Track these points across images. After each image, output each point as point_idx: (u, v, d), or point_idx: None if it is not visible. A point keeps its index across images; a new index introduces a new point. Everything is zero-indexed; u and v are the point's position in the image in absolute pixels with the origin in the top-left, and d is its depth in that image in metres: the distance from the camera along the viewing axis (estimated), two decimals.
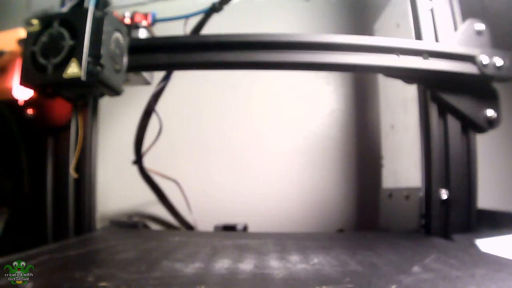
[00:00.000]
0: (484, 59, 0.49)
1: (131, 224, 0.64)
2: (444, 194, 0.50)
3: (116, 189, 0.77)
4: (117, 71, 0.45)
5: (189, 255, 0.36)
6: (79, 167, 0.49)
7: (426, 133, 0.52)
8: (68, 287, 0.25)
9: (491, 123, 0.51)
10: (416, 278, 0.28)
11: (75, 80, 0.41)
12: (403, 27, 0.61)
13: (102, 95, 0.51)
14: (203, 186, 0.78)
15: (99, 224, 0.55)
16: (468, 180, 0.51)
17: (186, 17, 0.61)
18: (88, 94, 0.48)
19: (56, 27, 0.42)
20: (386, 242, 0.46)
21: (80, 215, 0.49)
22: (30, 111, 0.49)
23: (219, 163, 0.80)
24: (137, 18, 0.61)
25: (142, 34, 0.60)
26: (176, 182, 0.71)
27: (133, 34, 0.59)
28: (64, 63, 0.41)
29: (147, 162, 0.68)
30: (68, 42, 0.41)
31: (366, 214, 0.77)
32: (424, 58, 0.49)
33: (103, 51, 0.42)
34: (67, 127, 0.49)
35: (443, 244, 0.44)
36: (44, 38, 0.42)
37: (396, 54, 0.49)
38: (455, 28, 0.53)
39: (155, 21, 0.62)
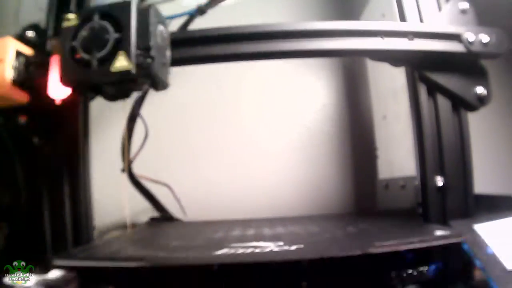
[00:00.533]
0: (470, 36, 0.49)
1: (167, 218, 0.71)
2: (439, 181, 0.50)
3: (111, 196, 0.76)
4: (164, 65, 0.44)
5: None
6: (73, 177, 0.49)
7: (417, 117, 0.52)
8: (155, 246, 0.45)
9: (481, 100, 0.51)
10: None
11: (124, 74, 0.39)
12: (389, 17, 0.61)
13: (143, 91, 0.51)
14: (197, 187, 0.77)
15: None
16: (463, 165, 0.51)
17: (171, 18, 0.61)
18: (133, 90, 0.46)
19: (97, 20, 0.40)
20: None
21: (78, 225, 0.49)
22: (22, 118, 0.49)
23: (212, 163, 0.79)
24: None
25: None
26: (168, 186, 0.70)
27: None
28: (110, 57, 0.39)
29: (137, 166, 0.67)
30: (113, 35, 0.40)
31: (364, 207, 0.77)
32: (409, 39, 0.49)
33: (152, 42, 0.40)
34: (60, 133, 0.49)
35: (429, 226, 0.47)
36: (84, 33, 0.40)
37: (381, 37, 0.49)
38: (439, 9, 0.53)
39: None
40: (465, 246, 0.39)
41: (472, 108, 0.51)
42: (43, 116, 0.49)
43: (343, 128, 0.80)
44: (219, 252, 0.37)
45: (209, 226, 0.60)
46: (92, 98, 0.51)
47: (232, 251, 0.37)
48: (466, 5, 0.53)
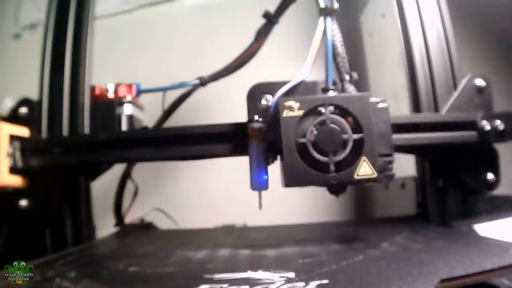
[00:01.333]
0: (486, 124, 0.44)
1: (144, 225, 0.64)
2: (439, 181, 0.50)
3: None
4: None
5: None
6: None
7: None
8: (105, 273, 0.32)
9: (490, 187, 0.47)
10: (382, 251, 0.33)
11: (366, 181, 0.34)
12: (389, 17, 0.61)
13: None
14: (198, 190, 0.77)
15: None
16: None
17: (170, 88, 0.58)
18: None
19: (329, 115, 0.35)
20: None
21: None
22: (23, 202, 0.46)
23: (212, 166, 0.79)
24: (121, 92, 0.58)
25: (128, 110, 0.56)
26: (160, 209, 0.70)
27: (118, 111, 0.55)
28: (349, 161, 0.34)
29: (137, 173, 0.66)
30: (352, 136, 0.34)
31: (364, 206, 0.76)
32: (421, 131, 0.45)
33: (391, 147, 0.36)
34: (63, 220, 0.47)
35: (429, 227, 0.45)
36: (312, 128, 0.35)
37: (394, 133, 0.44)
38: (454, 87, 0.50)
39: (139, 92, 0.59)
40: None
41: (478, 193, 0.48)
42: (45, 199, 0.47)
43: None
44: None
45: (192, 238, 0.50)
46: None
47: None
48: (483, 83, 0.49)
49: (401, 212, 0.59)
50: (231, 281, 0.26)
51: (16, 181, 0.45)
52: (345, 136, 0.34)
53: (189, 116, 0.66)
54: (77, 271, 0.31)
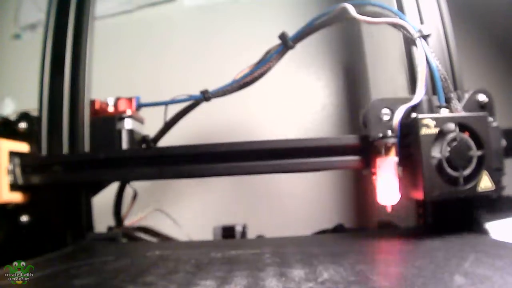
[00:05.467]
0: None
1: (110, 237, 0.51)
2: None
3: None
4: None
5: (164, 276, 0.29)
6: None
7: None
8: None
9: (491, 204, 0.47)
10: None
11: (486, 193, 0.38)
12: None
13: None
14: (200, 189, 0.77)
15: None
16: None
17: (171, 103, 0.56)
18: None
19: (458, 133, 0.38)
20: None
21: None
22: (24, 218, 0.45)
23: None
24: (121, 106, 0.57)
25: (128, 124, 0.56)
26: (160, 210, 0.70)
27: (118, 126, 0.55)
28: (474, 176, 0.38)
29: None
30: (476, 152, 0.38)
31: (365, 209, 0.76)
32: None
33: (502, 162, 0.40)
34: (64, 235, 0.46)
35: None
36: (445, 145, 0.38)
37: None
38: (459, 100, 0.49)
39: (139, 106, 0.59)
40: None
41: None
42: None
43: (343, 128, 0.80)
44: None
45: (175, 258, 0.36)
46: None
47: None
48: (485, 98, 0.48)
49: (402, 217, 0.59)
50: None
51: (16, 197, 0.45)
52: (470, 152, 0.38)
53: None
54: None
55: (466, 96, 0.49)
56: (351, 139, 0.44)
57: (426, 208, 0.50)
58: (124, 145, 0.55)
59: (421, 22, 0.53)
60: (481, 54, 0.77)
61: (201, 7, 0.89)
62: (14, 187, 0.44)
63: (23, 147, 0.47)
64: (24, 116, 0.48)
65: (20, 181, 0.45)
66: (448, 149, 0.38)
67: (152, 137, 0.59)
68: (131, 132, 0.56)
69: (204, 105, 0.80)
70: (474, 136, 0.38)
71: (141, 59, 0.86)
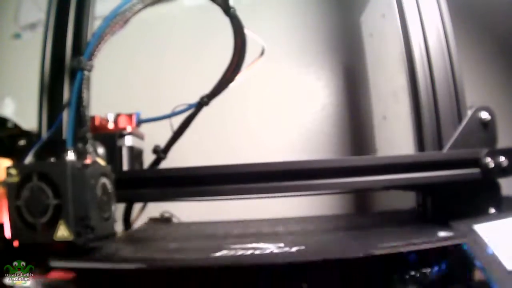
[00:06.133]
0: (489, 161, 0.45)
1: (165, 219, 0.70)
2: None
3: None
4: (106, 219, 0.42)
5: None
6: None
7: (417, 117, 0.52)
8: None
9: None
10: None
11: (66, 242, 0.38)
12: (389, 17, 0.61)
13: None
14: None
15: None
16: None
17: (170, 116, 0.57)
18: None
19: (35, 181, 0.38)
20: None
21: None
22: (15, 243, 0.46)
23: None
24: (121, 123, 0.58)
25: (128, 141, 0.57)
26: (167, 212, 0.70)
27: (119, 143, 0.56)
28: (53, 223, 0.38)
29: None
30: (52, 201, 0.38)
31: (364, 207, 0.77)
32: (424, 170, 0.45)
33: (91, 212, 0.39)
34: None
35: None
36: (26, 192, 0.38)
37: (398, 172, 0.45)
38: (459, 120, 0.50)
39: (139, 122, 0.59)
40: (466, 247, 0.39)
41: None
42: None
43: (343, 128, 0.80)
44: (218, 254, 0.37)
45: (207, 228, 0.60)
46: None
47: (231, 252, 0.37)
48: (488, 116, 0.48)
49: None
50: (241, 249, 0.38)
51: None
52: (47, 201, 0.38)
53: None
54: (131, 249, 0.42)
55: (469, 113, 0.49)
56: None
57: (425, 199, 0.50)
58: (125, 162, 0.55)
59: (421, 22, 0.54)
60: (481, 54, 0.77)
61: (201, 6, 0.88)
62: None
63: None
64: (24, 133, 0.49)
65: None
66: (27, 196, 0.38)
67: (162, 148, 0.59)
68: (131, 149, 0.56)
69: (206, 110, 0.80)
70: (53, 184, 0.38)
71: (140, 59, 0.86)
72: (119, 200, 0.45)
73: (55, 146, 0.44)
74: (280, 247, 0.38)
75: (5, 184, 0.39)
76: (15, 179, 0.39)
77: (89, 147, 0.43)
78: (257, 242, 0.41)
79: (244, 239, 0.44)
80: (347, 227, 0.50)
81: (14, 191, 0.38)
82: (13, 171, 0.39)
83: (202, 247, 0.44)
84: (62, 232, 0.37)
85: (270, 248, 0.38)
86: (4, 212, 0.40)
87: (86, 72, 0.44)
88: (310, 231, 0.49)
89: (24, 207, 0.38)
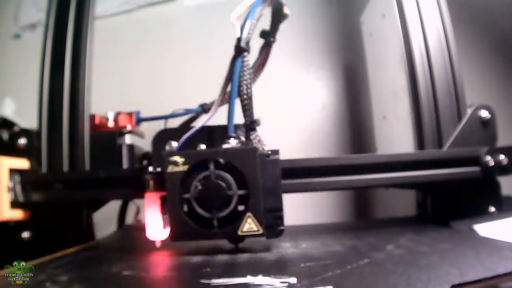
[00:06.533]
0: (489, 159, 0.45)
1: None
2: None
3: None
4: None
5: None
6: None
7: (418, 118, 0.52)
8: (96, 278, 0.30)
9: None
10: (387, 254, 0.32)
11: (252, 236, 0.34)
12: (389, 17, 0.61)
13: None
14: None
15: None
16: None
17: (171, 116, 0.56)
18: None
19: (213, 170, 0.34)
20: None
21: None
22: (25, 234, 0.45)
23: None
24: (121, 121, 0.57)
25: (128, 140, 0.56)
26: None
27: (118, 141, 0.55)
28: (234, 216, 0.34)
29: None
30: (236, 191, 0.34)
31: (364, 207, 0.76)
32: (424, 169, 0.45)
33: (281, 202, 0.35)
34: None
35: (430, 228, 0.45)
36: (197, 183, 0.34)
37: (398, 170, 0.45)
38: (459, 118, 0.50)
39: (139, 120, 0.59)
40: None
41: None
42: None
43: (343, 128, 0.80)
44: None
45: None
46: None
47: None
48: (487, 115, 0.49)
49: (401, 213, 0.59)
50: (229, 287, 0.24)
51: (17, 214, 0.45)
52: (228, 192, 0.33)
53: None
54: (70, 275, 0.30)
55: (469, 111, 0.49)
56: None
57: (425, 199, 0.50)
58: (125, 160, 0.55)
59: (421, 22, 0.54)
60: (481, 53, 0.77)
61: (201, 6, 0.88)
62: (14, 204, 0.44)
63: (23, 163, 0.46)
64: (23, 131, 0.48)
65: (20, 198, 0.44)
66: (200, 188, 0.34)
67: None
68: (131, 147, 0.56)
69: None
70: (237, 173, 0.34)
71: (140, 59, 0.86)
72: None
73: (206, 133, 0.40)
74: (291, 286, 0.24)
75: (168, 175, 0.34)
76: (181, 169, 0.34)
77: (256, 135, 0.40)
78: (254, 272, 0.27)
79: (235, 265, 0.31)
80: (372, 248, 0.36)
81: (178, 181, 0.34)
82: (179, 159, 0.34)
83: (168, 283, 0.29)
84: (251, 226, 0.34)
85: (275, 286, 0.24)
86: (148, 212, 0.36)
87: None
88: (329, 249, 0.36)
89: (194, 200, 0.34)
